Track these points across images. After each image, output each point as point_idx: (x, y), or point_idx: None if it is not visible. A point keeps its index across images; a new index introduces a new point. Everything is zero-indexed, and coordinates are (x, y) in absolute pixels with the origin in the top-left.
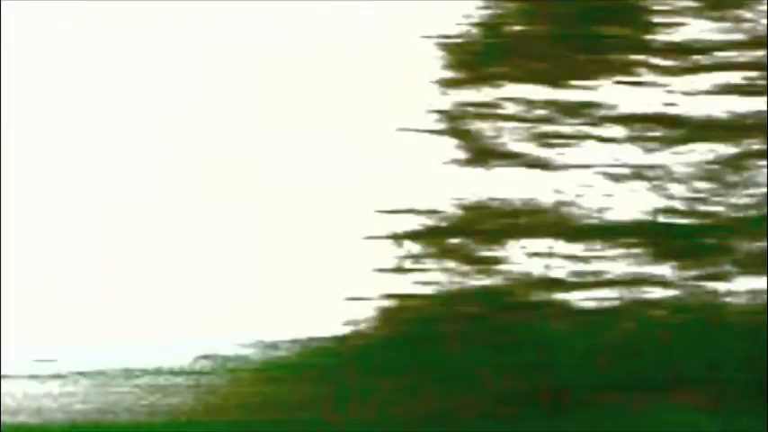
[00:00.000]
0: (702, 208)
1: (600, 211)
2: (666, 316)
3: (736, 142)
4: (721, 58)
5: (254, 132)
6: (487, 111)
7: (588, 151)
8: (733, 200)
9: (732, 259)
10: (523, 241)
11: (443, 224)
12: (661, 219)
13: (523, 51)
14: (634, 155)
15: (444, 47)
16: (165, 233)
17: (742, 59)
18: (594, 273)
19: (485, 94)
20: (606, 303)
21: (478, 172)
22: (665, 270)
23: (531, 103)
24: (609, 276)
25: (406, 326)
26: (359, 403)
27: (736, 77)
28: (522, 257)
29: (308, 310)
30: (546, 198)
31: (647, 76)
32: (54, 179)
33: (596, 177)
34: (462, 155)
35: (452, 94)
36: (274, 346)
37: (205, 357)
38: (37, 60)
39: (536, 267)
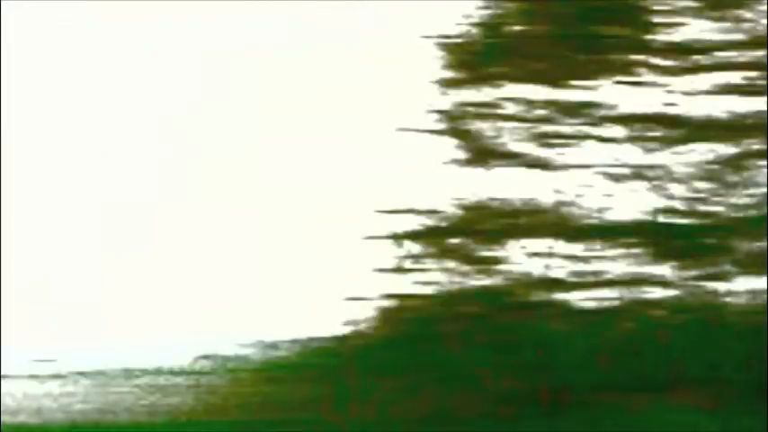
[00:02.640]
0: (702, 208)
1: (600, 211)
2: (666, 316)
3: (737, 142)
4: (721, 58)
5: (253, 133)
6: (487, 111)
7: (588, 151)
8: (733, 200)
9: (732, 259)
10: (523, 241)
11: (443, 224)
12: (661, 219)
13: (523, 51)
14: (634, 155)
15: (444, 47)
16: (164, 233)
17: (742, 59)
18: (594, 273)
19: (485, 94)
20: (606, 303)
21: (478, 172)
22: (665, 270)
23: (531, 103)
24: (609, 276)
25: (406, 326)
26: (359, 403)
27: (736, 77)
28: (522, 257)
29: (308, 310)
30: (546, 198)
31: (647, 76)
32: (54, 179)
33: (596, 177)
34: (462, 155)
35: (452, 94)
36: (274, 346)
37: (205, 357)
38: (37, 60)
39: (536, 267)
